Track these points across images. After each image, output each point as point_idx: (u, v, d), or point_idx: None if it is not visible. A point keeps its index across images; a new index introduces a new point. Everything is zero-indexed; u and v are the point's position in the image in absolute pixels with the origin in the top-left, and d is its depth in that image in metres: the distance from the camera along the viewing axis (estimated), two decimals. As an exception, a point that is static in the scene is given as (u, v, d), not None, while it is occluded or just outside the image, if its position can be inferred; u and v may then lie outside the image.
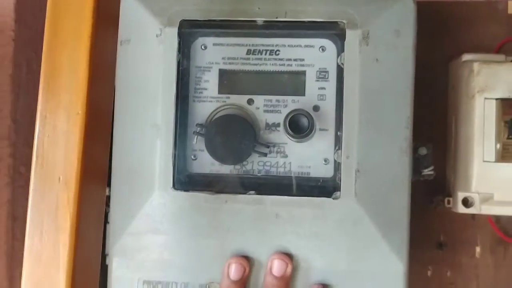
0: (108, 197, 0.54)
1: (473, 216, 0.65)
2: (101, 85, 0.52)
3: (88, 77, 0.48)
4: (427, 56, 0.62)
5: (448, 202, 0.61)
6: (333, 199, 0.48)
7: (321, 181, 0.50)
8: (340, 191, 0.48)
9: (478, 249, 0.66)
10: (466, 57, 0.59)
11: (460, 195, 0.58)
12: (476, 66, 0.56)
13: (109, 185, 0.53)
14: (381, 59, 0.49)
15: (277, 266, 0.48)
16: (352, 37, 0.49)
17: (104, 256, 0.57)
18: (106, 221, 0.56)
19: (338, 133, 0.49)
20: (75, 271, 0.47)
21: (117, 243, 0.50)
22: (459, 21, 0.66)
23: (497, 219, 0.65)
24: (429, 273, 0.66)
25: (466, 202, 0.58)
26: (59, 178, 0.47)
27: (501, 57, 0.59)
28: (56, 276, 0.46)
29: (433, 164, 0.54)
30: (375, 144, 0.48)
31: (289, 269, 0.48)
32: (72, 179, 0.48)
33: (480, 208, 0.58)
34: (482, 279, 0.66)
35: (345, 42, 0.49)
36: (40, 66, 0.57)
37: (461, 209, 0.58)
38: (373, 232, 0.48)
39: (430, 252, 0.66)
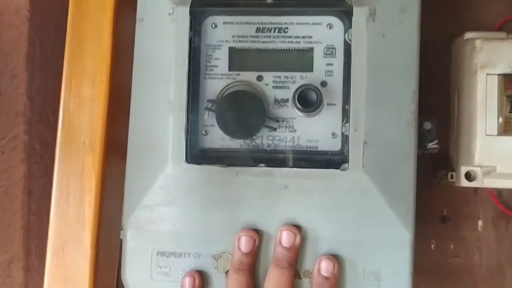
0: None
1: (475, 190, 0.65)
2: (123, 59, 0.51)
3: (111, 46, 0.48)
4: (431, 35, 0.61)
5: (451, 177, 0.60)
6: (342, 170, 0.48)
7: (329, 153, 0.50)
8: (348, 162, 0.48)
9: (480, 222, 0.65)
10: (469, 35, 0.58)
11: (463, 169, 0.58)
12: (478, 43, 0.56)
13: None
14: (387, 35, 0.49)
15: (286, 237, 0.48)
16: (359, 13, 0.49)
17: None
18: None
19: (346, 107, 0.50)
20: (100, 230, 0.47)
21: (132, 216, 0.50)
22: (461, 0, 0.65)
23: (499, 193, 0.65)
24: (432, 246, 0.66)
25: (468, 176, 0.58)
26: (85, 142, 0.47)
27: (502, 34, 0.58)
28: (82, 234, 0.46)
29: (437, 138, 0.54)
30: (382, 117, 0.49)
31: (297, 240, 0.48)
32: (97, 142, 0.48)
33: (483, 182, 0.57)
34: (484, 251, 0.65)
35: (353, 19, 0.49)
36: (53, 48, 0.56)
37: (464, 183, 0.58)
38: (380, 202, 0.48)
39: (433, 226, 0.65)
